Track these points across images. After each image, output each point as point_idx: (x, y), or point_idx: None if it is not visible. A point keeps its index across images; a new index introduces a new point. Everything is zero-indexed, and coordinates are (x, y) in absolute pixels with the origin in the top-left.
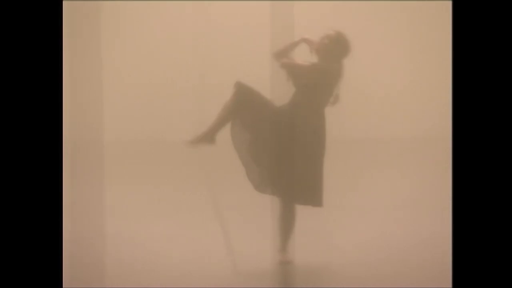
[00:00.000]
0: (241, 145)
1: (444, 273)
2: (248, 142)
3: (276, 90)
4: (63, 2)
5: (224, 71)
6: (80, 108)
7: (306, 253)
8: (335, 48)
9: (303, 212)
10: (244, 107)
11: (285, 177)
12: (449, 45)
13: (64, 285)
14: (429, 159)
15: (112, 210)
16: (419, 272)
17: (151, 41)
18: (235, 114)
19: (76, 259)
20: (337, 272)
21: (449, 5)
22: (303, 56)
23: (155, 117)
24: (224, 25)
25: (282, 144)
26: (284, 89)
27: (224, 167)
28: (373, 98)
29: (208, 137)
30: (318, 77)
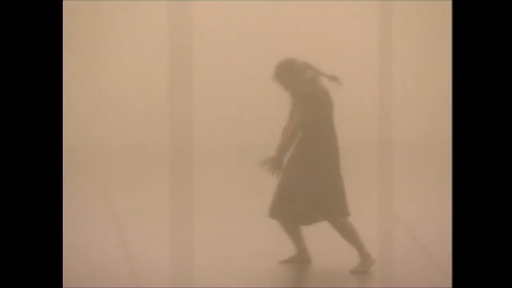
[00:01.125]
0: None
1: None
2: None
3: (175, 91)
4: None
5: (121, 74)
6: None
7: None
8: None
9: None
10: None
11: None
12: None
13: None
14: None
15: None
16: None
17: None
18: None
19: None
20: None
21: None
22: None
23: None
24: (120, 26)
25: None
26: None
27: (121, 172)
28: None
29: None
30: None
